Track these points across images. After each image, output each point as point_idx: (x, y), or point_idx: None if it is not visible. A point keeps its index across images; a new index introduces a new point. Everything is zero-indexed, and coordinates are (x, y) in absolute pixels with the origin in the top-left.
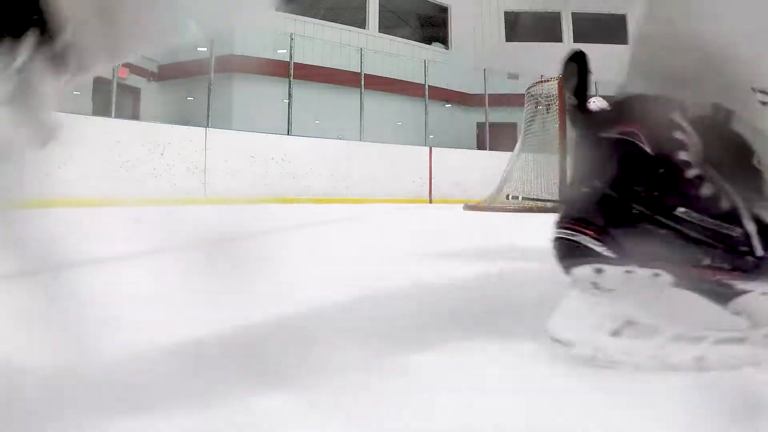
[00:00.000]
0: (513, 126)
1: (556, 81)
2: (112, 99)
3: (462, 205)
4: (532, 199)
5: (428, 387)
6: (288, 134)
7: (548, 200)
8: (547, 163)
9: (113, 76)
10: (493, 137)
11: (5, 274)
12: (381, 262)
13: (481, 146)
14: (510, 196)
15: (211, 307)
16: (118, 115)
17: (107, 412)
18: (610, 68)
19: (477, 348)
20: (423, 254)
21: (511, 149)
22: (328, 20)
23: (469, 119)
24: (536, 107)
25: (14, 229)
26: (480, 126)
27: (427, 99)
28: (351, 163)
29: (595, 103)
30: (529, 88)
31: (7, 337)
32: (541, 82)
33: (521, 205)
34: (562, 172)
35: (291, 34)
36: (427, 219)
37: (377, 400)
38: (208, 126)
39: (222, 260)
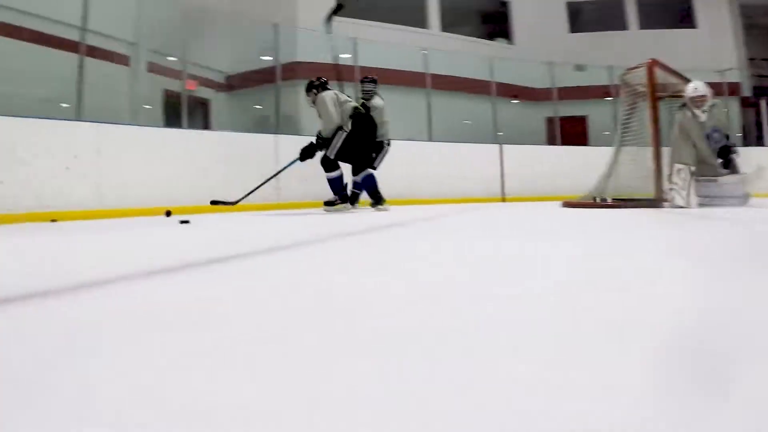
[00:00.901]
0: (582, 119)
1: (645, 68)
2: (183, 111)
3: (560, 202)
4: (620, 199)
5: None
6: None
7: (639, 199)
8: (644, 156)
9: (182, 88)
10: (563, 131)
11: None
12: None
13: (551, 141)
14: (598, 198)
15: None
16: (190, 126)
17: None
18: (683, 54)
19: None
20: None
21: (582, 143)
22: (388, 22)
23: (537, 114)
24: (635, 96)
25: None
26: (549, 121)
27: (494, 96)
28: (422, 164)
29: (697, 89)
30: (623, 75)
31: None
32: (634, 68)
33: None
34: (658, 164)
35: (354, 38)
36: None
37: None
38: (277, 133)
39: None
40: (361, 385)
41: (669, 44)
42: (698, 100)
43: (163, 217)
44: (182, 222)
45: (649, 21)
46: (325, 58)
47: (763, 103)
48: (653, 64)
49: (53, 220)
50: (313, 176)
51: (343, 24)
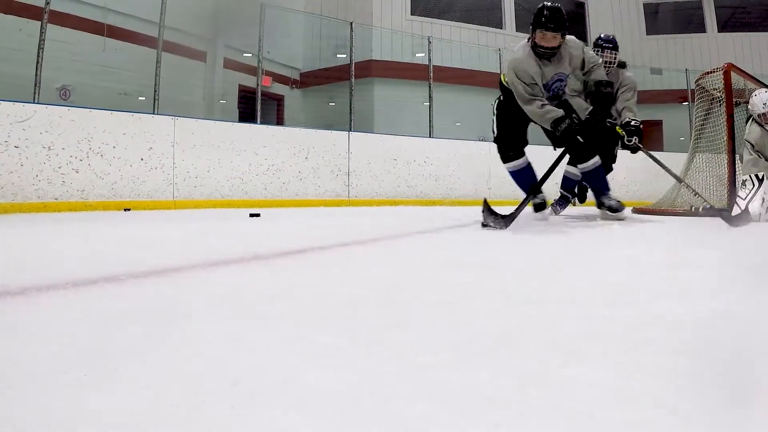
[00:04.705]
0: (658, 124)
1: (721, 72)
2: (257, 106)
3: (630, 208)
4: (692, 206)
5: None
6: (430, 137)
7: (712, 207)
8: (718, 164)
9: (257, 84)
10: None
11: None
12: None
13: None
14: (668, 204)
15: None
16: (263, 122)
17: None
18: (766, 59)
19: None
20: None
21: (657, 148)
22: (464, 22)
23: None
24: (711, 102)
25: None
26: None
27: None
28: (492, 165)
29: (767, 105)
30: (698, 80)
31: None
32: (710, 72)
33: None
34: (732, 172)
35: (428, 37)
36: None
37: None
38: (350, 130)
39: None
40: None
41: (749, 48)
42: (764, 118)
43: (233, 211)
44: (252, 215)
45: (727, 23)
46: (402, 57)
47: None
48: (730, 68)
49: (127, 209)
50: (384, 173)
51: (418, 23)
